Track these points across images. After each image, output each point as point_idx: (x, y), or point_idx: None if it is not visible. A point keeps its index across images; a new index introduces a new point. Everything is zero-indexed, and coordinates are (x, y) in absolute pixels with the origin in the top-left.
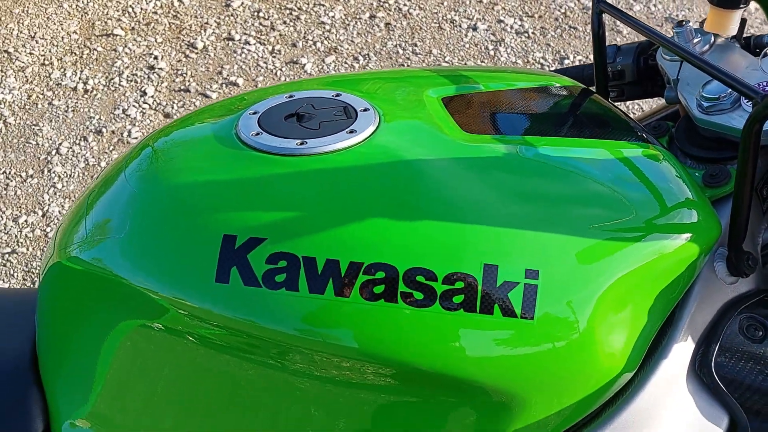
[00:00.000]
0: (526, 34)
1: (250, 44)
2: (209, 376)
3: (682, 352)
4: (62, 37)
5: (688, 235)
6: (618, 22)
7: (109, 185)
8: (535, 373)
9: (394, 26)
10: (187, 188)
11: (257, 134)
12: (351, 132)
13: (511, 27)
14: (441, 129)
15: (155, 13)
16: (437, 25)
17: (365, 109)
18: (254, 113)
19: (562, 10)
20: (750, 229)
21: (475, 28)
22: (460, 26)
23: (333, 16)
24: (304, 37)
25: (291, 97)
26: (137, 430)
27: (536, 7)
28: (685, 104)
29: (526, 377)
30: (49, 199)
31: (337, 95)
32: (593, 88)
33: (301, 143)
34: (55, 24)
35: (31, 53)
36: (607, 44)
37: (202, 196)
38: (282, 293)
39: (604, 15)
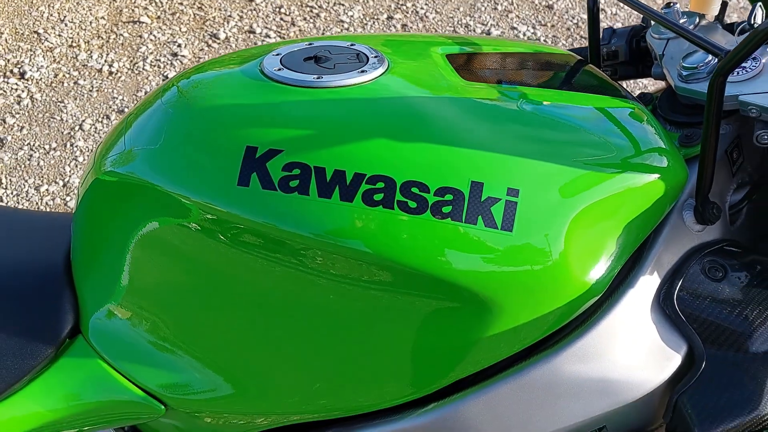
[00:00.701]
0: (538, 42)
1: (270, 37)
2: (229, 272)
3: (647, 285)
4: (90, 22)
5: (657, 175)
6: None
7: (146, 109)
8: (510, 281)
9: (411, 28)
10: (215, 108)
11: (279, 69)
12: (362, 72)
13: (524, 34)
14: (442, 75)
15: (181, 3)
16: (452, 28)
17: (376, 56)
18: (277, 54)
19: (574, 21)
20: (719, 188)
21: (488, 34)
22: (474, 30)
23: (352, 16)
24: (323, 33)
25: (311, 44)
26: (155, 324)
27: (549, 17)
28: (667, 75)
29: (502, 284)
30: (70, 171)
31: (352, 45)
32: None
33: (318, 78)
34: (84, 9)
35: (59, 35)
36: (603, 26)
37: (228, 115)
38: (295, 196)
39: None
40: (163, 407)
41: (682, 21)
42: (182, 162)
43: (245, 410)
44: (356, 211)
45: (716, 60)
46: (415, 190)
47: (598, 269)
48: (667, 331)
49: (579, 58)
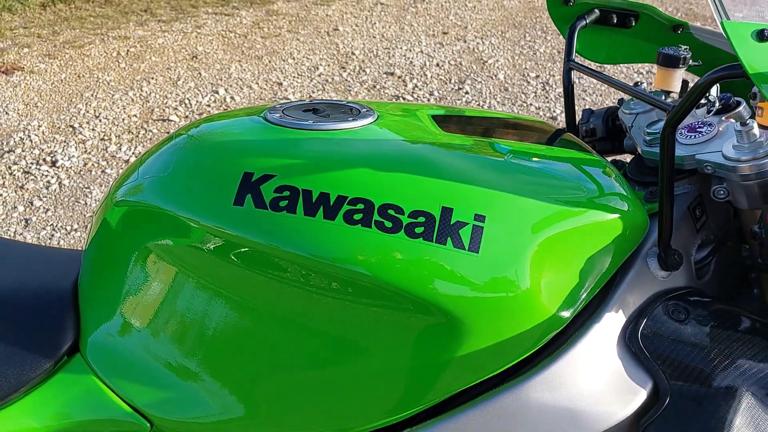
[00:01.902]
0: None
1: None
2: (220, 290)
3: (613, 322)
4: (123, 119)
5: (618, 217)
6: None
7: (159, 148)
8: (478, 300)
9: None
10: (220, 143)
11: (280, 117)
12: (352, 120)
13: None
14: (424, 126)
15: (209, 105)
16: None
17: (367, 110)
18: (280, 106)
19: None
20: (682, 241)
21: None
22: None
23: None
24: None
25: (311, 101)
26: (149, 343)
27: None
28: (635, 143)
29: (470, 302)
30: None
31: (348, 102)
32: None
33: (313, 122)
34: (118, 107)
35: (93, 129)
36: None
37: (231, 148)
38: (283, 215)
39: (572, 72)
40: (148, 425)
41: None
42: (186, 187)
43: (222, 430)
44: (337, 228)
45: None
46: (391, 211)
47: (564, 298)
48: (632, 367)
49: (558, 128)
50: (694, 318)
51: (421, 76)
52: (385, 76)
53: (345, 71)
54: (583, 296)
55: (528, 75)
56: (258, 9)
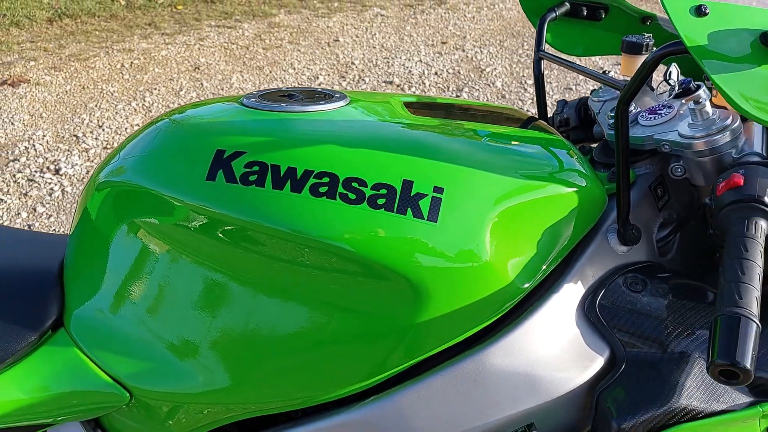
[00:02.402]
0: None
1: None
2: (195, 262)
3: (572, 293)
4: (126, 128)
5: (577, 192)
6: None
7: (139, 133)
8: (436, 269)
9: None
10: (197, 124)
11: (256, 101)
12: (324, 104)
13: None
14: (394, 110)
15: None
16: None
17: (341, 96)
18: (258, 92)
19: None
20: (644, 218)
21: None
22: None
23: None
24: None
25: (288, 88)
26: (130, 315)
27: None
28: (601, 128)
29: (430, 270)
30: None
31: (324, 90)
32: None
33: (286, 105)
34: (121, 117)
35: (96, 138)
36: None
37: (206, 128)
38: (252, 189)
39: (542, 61)
40: (127, 395)
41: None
42: (163, 165)
43: (200, 400)
44: (304, 201)
45: (635, 108)
46: (355, 184)
47: (523, 268)
48: (590, 336)
49: (531, 114)
50: (650, 289)
51: (419, 84)
52: (384, 84)
53: (344, 80)
54: (543, 267)
55: (525, 82)
56: (260, 21)
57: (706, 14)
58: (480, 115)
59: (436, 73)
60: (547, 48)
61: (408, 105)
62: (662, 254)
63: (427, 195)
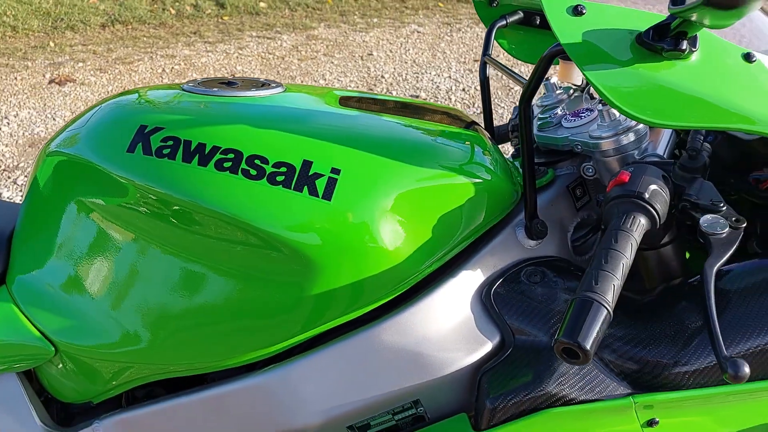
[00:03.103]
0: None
1: None
2: (118, 227)
3: (470, 280)
4: None
5: (484, 184)
6: None
7: (88, 110)
8: (330, 243)
9: None
10: (133, 101)
11: (195, 86)
12: (257, 90)
13: None
14: (324, 101)
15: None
16: None
17: (278, 85)
18: (201, 79)
19: None
20: (559, 216)
21: None
22: None
23: None
24: None
25: (233, 76)
26: (63, 275)
27: None
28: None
29: (322, 245)
30: None
31: (267, 80)
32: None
33: (219, 91)
34: None
35: None
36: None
37: (138, 107)
38: (165, 161)
39: (488, 66)
40: (53, 349)
41: (558, 92)
42: (97, 138)
43: (117, 359)
44: (208, 174)
45: (563, 111)
46: (257, 161)
47: (420, 251)
48: (482, 321)
49: (472, 119)
50: (547, 281)
51: (445, 100)
52: (409, 98)
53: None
54: (441, 253)
55: None
56: (299, 34)
57: (582, 14)
58: (414, 112)
59: (463, 89)
60: (503, 55)
61: (344, 98)
62: (579, 253)
63: (324, 175)
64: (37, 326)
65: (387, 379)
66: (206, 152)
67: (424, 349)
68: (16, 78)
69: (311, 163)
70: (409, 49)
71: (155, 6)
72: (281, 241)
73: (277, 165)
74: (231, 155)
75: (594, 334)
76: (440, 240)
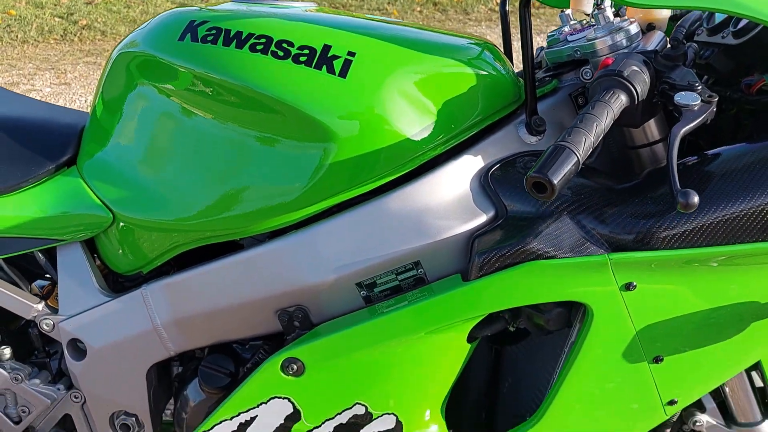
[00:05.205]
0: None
1: None
2: (170, 108)
3: (471, 163)
4: None
5: (489, 78)
6: None
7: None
8: (341, 117)
9: None
10: (186, 7)
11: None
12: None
13: None
14: (349, 12)
15: None
16: None
17: (312, 4)
18: None
19: None
20: (559, 120)
21: None
22: None
23: None
24: None
25: None
26: (127, 154)
27: None
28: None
29: (334, 118)
30: None
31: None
32: None
33: (261, 1)
34: None
35: None
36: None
37: (191, 9)
38: (208, 46)
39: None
40: (110, 215)
41: (572, 22)
42: (153, 34)
43: (166, 226)
44: (244, 55)
45: (570, 32)
46: (285, 45)
47: (426, 131)
48: (479, 196)
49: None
50: None
51: None
52: None
53: None
54: (446, 137)
55: None
56: None
57: None
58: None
59: None
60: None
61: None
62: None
63: (341, 57)
64: (99, 197)
65: (391, 242)
66: (243, 38)
67: (424, 217)
68: None
69: (330, 46)
70: None
71: None
72: (301, 113)
73: (301, 48)
74: (263, 40)
75: (562, 174)
76: (445, 124)
